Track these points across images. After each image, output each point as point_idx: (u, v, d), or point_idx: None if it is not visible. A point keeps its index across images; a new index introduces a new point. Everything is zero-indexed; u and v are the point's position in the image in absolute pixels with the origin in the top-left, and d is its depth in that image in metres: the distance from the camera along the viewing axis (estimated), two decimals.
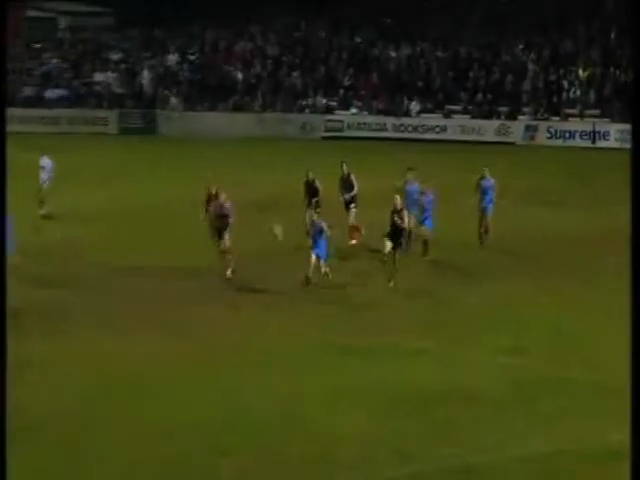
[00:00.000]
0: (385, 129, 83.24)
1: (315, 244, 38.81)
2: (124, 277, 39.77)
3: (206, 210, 41.81)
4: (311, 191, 45.95)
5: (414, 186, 42.12)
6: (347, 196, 46.68)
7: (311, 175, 46.51)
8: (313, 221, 40.89)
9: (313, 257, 39.18)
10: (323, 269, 39.29)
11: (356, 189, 46.87)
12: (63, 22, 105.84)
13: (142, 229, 46.76)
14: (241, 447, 25.51)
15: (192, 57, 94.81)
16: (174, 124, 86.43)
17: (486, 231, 41.26)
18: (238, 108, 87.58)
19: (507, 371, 29.81)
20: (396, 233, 37.44)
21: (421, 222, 40.65)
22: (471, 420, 26.32)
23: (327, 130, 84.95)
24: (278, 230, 42.96)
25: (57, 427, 28.36)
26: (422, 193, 41.50)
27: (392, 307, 35.97)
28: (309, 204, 45.39)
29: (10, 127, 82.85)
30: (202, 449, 26.33)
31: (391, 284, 37.13)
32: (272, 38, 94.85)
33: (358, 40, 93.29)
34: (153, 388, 29.82)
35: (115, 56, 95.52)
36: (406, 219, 37.79)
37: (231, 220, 40.54)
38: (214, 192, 41.38)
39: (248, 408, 27.84)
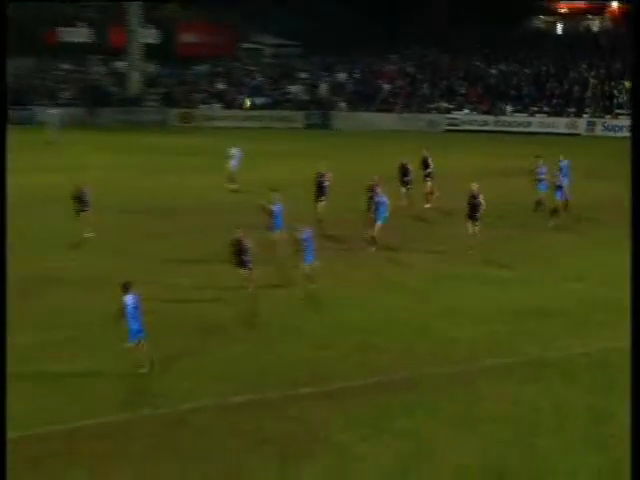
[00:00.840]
0: (487, 124, 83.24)
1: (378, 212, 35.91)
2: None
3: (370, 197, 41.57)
4: (404, 171, 44.04)
5: (543, 168, 41.53)
6: (425, 172, 45.20)
7: (404, 160, 44.64)
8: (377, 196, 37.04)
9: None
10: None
11: (432, 167, 45.11)
12: (267, 51, 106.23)
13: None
14: (385, 346, 25.56)
15: (355, 75, 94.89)
16: (342, 121, 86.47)
17: (566, 198, 40.56)
18: (386, 110, 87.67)
19: (572, 293, 29.99)
20: (473, 210, 35.88)
21: (554, 193, 39.93)
22: (547, 328, 26.49)
23: (447, 125, 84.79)
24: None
25: None
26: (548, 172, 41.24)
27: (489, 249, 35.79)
28: (402, 182, 43.68)
29: (226, 123, 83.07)
30: (358, 344, 26.26)
31: (470, 252, 35.17)
32: (410, 62, 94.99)
33: (468, 62, 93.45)
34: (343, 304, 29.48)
35: (302, 74, 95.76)
36: (480, 198, 35.62)
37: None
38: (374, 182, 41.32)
39: (391, 319, 27.94)
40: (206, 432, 21.35)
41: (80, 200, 39.68)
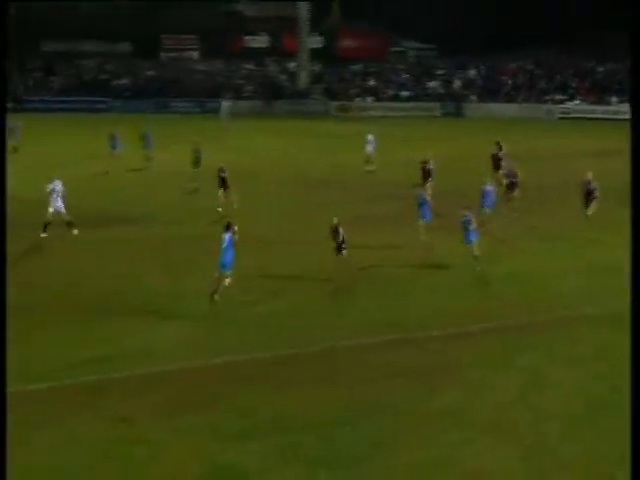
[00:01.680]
0: (595, 113, 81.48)
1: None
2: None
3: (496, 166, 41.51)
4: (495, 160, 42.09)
5: None
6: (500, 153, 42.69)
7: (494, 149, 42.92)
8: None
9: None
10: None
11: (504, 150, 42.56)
12: (411, 53, 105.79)
13: (453, 169, 46.24)
14: (509, 297, 25.47)
15: (483, 72, 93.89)
16: (473, 111, 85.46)
17: None
18: (509, 101, 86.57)
19: None
20: (588, 195, 34.93)
21: None
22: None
23: (561, 114, 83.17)
24: None
25: None
26: None
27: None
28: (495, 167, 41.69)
29: (377, 113, 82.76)
30: (489, 295, 26.15)
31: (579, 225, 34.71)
32: (529, 60, 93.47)
33: (579, 60, 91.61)
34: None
35: (439, 72, 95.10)
36: (594, 184, 34.75)
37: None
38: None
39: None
40: (360, 364, 21.63)
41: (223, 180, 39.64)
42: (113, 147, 52.89)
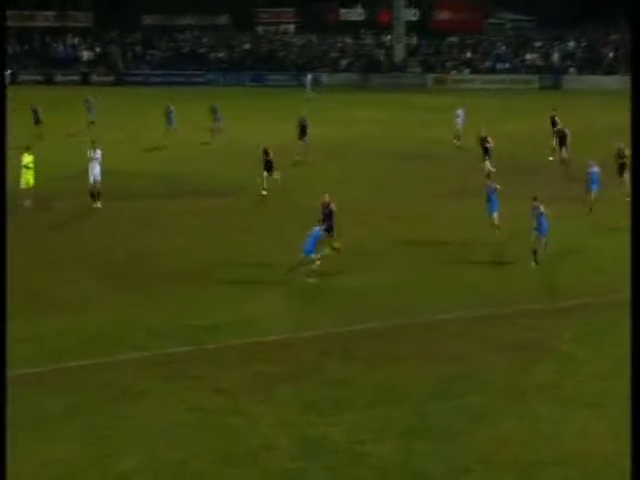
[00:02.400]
0: None
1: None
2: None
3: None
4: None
5: None
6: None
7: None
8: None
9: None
10: None
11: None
12: (508, 25, 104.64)
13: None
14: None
15: (583, 44, 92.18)
16: (572, 83, 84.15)
17: None
18: (610, 73, 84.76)
19: None
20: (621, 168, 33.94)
21: None
22: None
23: None
24: None
25: None
26: None
27: None
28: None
29: (474, 85, 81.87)
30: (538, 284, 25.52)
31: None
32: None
33: None
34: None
35: (537, 44, 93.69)
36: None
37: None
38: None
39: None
40: (455, 337, 21.50)
41: None
42: (216, 120, 52.91)
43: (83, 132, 51.22)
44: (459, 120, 50.86)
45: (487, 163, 39.39)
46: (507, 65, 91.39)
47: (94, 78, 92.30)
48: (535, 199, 27.58)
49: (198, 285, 26.13)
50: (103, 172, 36.00)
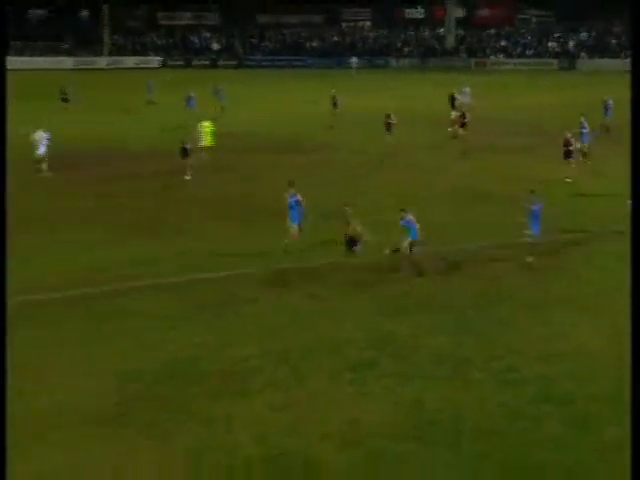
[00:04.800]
0: None
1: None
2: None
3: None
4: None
5: None
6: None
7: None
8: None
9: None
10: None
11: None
12: (534, 20, 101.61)
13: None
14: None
15: (592, 34, 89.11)
16: (584, 65, 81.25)
17: None
18: (612, 57, 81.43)
19: None
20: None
21: None
22: None
23: None
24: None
25: None
26: None
27: None
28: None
29: (507, 67, 79.95)
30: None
31: None
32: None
33: None
34: None
35: (557, 34, 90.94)
36: None
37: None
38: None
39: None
40: (485, 262, 20.90)
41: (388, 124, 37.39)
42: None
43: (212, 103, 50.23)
44: (463, 97, 47.01)
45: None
46: (533, 51, 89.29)
47: (221, 62, 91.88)
48: None
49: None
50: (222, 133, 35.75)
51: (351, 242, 19.77)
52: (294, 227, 21.17)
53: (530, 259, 19.84)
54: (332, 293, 18.71)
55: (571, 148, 29.48)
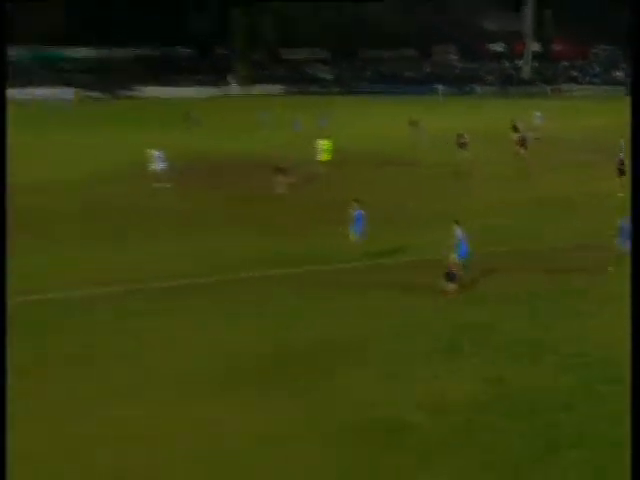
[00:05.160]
0: None
1: None
2: None
3: None
4: None
5: None
6: None
7: None
8: None
9: None
10: None
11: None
12: (602, 54, 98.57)
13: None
14: None
15: None
16: None
17: None
18: None
19: None
20: None
21: None
22: None
23: None
24: None
25: None
26: None
27: None
28: None
29: (578, 93, 77.71)
30: None
31: None
32: None
33: None
34: None
35: (622, 65, 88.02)
36: None
37: None
38: None
39: None
40: (550, 260, 20.42)
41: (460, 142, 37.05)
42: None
43: (318, 126, 49.44)
44: (535, 119, 47.44)
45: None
46: (601, 79, 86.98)
47: (333, 90, 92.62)
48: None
49: (418, 221, 24.63)
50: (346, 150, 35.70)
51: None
52: (355, 236, 20.66)
53: (611, 269, 18.64)
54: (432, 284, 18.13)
55: (622, 167, 28.49)
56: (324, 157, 34.44)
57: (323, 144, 34.87)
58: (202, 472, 10.55)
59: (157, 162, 32.18)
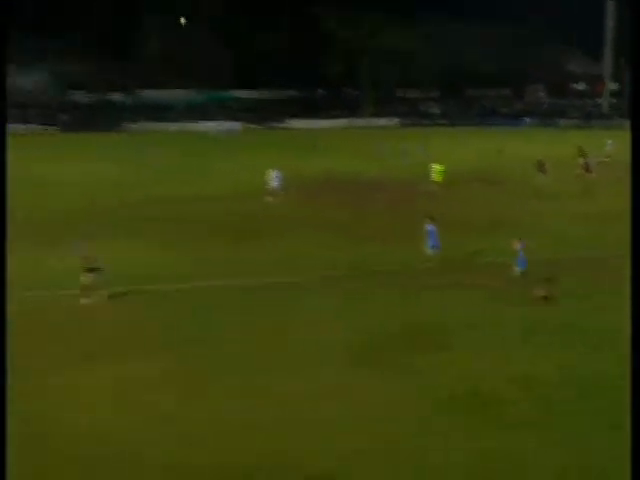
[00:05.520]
0: None
1: None
2: None
3: None
4: None
5: None
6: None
7: None
8: None
9: None
10: None
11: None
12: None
13: None
14: None
15: None
16: None
17: None
18: None
19: None
20: None
21: None
22: None
23: None
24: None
25: None
26: None
27: None
28: None
29: None
30: None
31: None
32: None
33: None
34: None
35: None
36: None
37: None
38: None
39: None
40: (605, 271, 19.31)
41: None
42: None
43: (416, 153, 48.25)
44: (608, 146, 46.32)
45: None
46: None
47: (440, 123, 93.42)
48: None
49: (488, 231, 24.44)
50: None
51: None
52: (429, 250, 19.62)
53: None
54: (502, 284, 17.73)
55: None
56: (437, 178, 34.35)
57: (436, 168, 34.84)
58: (347, 428, 10.56)
59: (274, 180, 31.59)
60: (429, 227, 19.61)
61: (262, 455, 9.89)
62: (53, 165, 43.80)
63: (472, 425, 10.89)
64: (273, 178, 31.87)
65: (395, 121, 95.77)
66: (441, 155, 43.60)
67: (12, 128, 69.50)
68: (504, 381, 12.31)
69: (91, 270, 16.05)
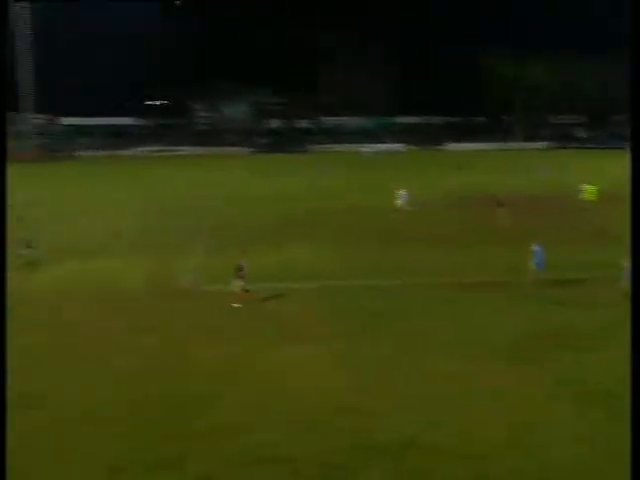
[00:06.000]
0: None
1: None
2: None
3: None
4: None
5: None
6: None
7: None
8: None
9: None
10: None
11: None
12: None
13: None
14: None
15: None
16: None
17: None
18: None
19: None
20: None
21: None
22: None
23: None
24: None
25: None
26: None
27: None
28: None
29: None
30: None
31: None
32: None
33: None
34: None
35: None
36: None
37: None
38: None
39: None
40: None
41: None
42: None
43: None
44: None
45: None
46: None
47: (587, 146, 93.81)
48: None
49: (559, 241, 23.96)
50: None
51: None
52: (535, 268, 19.41)
53: None
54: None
55: None
56: (589, 197, 33.54)
57: (589, 188, 34.04)
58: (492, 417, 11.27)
59: (402, 198, 32.11)
60: (536, 247, 19.46)
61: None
62: (248, 179, 47.07)
63: (601, 415, 11.46)
64: (401, 197, 32.43)
65: (546, 145, 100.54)
66: (589, 175, 41.97)
67: (219, 150, 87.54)
68: (615, 381, 12.60)
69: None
